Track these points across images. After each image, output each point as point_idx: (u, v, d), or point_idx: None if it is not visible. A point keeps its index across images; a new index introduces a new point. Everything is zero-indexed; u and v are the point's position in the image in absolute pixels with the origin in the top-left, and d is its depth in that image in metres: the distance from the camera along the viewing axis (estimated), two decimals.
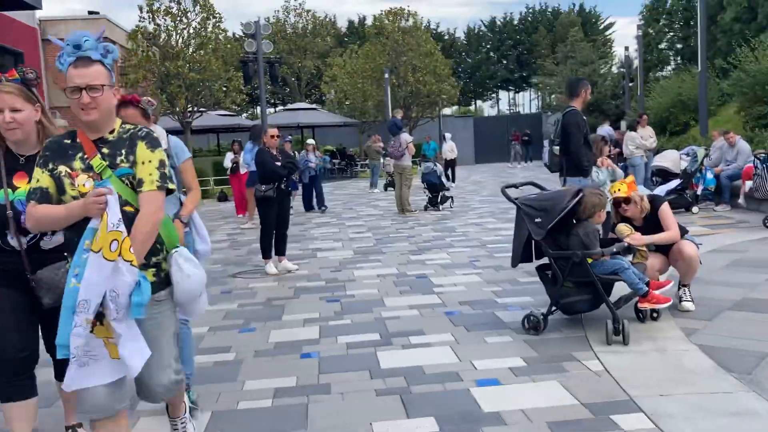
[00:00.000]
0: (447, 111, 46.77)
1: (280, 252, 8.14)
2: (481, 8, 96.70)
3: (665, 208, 4.97)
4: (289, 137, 15.20)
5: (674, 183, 11.68)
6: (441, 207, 13.98)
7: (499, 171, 29.31)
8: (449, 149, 21.02)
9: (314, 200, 14.98)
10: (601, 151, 6.57)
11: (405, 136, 13.64)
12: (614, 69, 42.07)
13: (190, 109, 22.30)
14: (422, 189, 14.56)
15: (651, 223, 4.98)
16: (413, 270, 7.55)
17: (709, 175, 11.81)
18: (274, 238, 8.03)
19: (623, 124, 24.15)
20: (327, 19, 48.09)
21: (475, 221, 11.89)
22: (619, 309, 4.58)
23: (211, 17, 21.91)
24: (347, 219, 13.14)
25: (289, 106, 33.58)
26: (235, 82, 22.52)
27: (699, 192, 11.72)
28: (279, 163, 7.86)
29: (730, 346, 4.19)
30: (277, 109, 41.89)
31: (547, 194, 4.79)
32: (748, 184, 10.83)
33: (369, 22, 44.83)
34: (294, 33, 43.69)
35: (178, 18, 21.54)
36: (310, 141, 14.41)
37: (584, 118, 6.54)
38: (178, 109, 21.95)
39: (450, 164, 20.93)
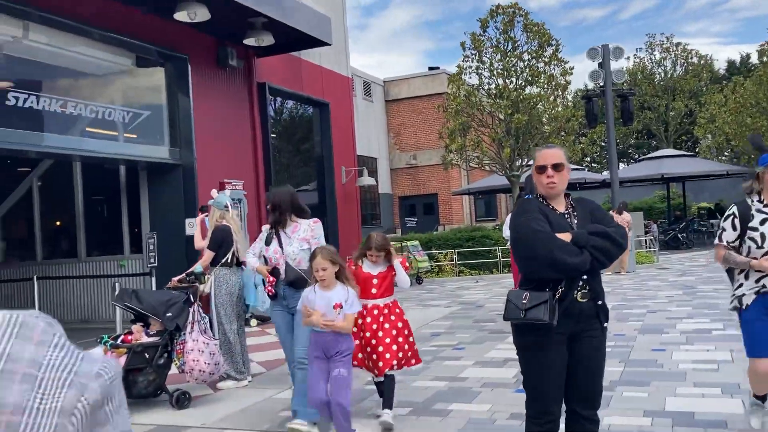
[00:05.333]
0: None
1: None
2: None
3: None
4: None
5: None
6: None
7: None
8: None
9: None
10: None
11: None
12: None
13: (519, 162, 18.19)
14: None
15: None
16: None
17: None
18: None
19: None
20: (701, 62, 38.90)
21: None
22: None
23: (546, 45, 17.71)
24: None
25: (651, 154, 27.24)
26: (572, 123, 17.78)
27: None
28: (568, 239, 2.96)
29: None
30: (637, 158, 35.34)
31: None
32: None
33: (755, 59, 35.68)
34: (663, 72, 36.89)
35: (507, 51, 17.86)
36: None
37: None
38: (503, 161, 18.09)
39: None
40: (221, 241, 6.28)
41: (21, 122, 8.51)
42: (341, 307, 4.12)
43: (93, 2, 9.08)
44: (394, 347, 4.59)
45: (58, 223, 12.56)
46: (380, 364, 4.56)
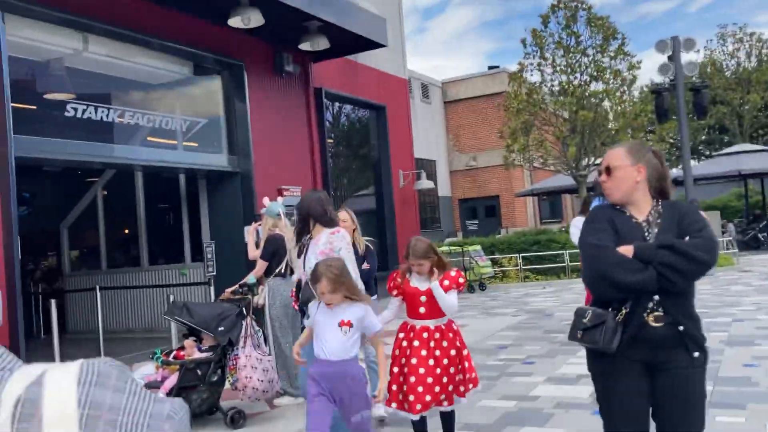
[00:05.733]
0: None
1: None
2: None
3: None
4: None
5: None
6: None
7: None
8: None
9: None
10: None
11: None
12: None
13: (585, 161, 17.44)
14: None
15: None
16: None
17: None
18: None
19: None
20: None
21: None
22: None
23: (611, 39, 16.94)
24: None
25: (727, 150, 25.83)
26: (641, 119, 16.93)
27: None
28: (630, 253, 2.46)
29: None
30: (708, 155, 33.68)
31: None
32: None
33: None
34: (735, 64, 35.09)
35: (569, 47, 17.16)
36: None
37: None
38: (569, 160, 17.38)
39: None
40: (274, 250, 6.05)
41: (81, 133, 8.54)
42: (350, 326, 3.47)
43: (151, 12, 9.06)
44: (445, 379, 3.89)
45: (125, 231, 12.71)
46: (427, 398, 3.82)
